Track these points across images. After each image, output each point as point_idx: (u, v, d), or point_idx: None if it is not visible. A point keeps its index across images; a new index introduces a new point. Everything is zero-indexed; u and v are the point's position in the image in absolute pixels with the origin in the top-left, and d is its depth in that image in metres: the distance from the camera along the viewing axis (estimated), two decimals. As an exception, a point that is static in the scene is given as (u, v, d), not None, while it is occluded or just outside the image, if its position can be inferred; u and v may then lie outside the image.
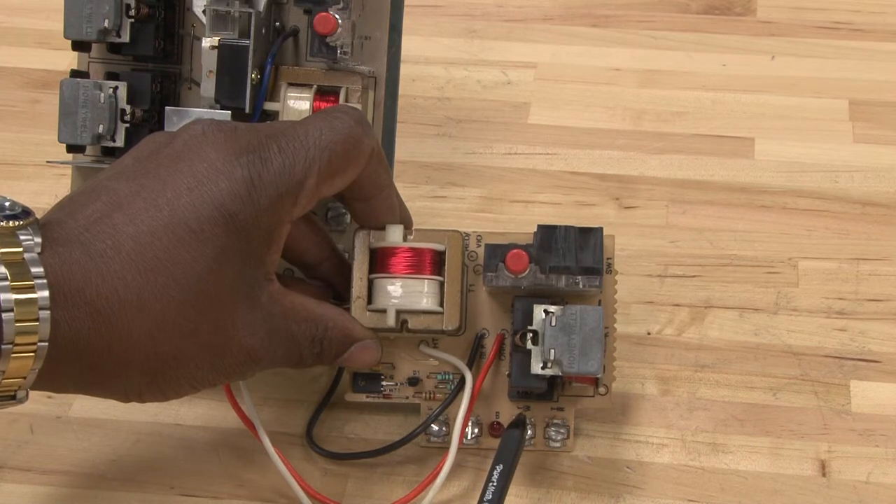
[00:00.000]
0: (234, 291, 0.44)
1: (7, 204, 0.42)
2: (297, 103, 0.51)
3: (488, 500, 0.46)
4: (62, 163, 0.54)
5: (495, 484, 0.46)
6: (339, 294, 0.50)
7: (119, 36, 0.51)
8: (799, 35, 0.72)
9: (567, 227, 0.48)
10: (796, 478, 0.50)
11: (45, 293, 0.40)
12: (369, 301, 0.49)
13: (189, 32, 0.53)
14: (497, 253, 0.48)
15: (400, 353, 0.51)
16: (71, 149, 0.52)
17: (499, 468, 0.47)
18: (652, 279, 0.59)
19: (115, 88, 0.52)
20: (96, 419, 0.53)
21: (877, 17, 0.73)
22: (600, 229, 0.49)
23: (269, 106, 0.51)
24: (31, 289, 0.40)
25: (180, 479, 0.50)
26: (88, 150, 0.52)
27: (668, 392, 0.54)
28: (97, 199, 0.43)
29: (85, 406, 0.53)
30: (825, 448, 0.51)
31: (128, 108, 0.52)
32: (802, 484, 0.50)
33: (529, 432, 0.50)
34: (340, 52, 0.51)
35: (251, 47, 0.50)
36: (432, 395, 0.51)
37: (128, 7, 0.51)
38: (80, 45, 0.52)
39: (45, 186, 0.64)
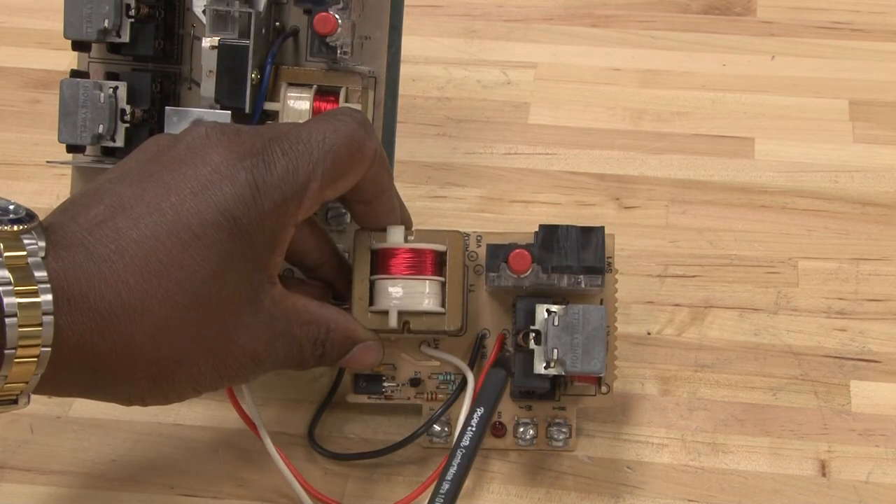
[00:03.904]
0: (237, 295, 0.44)
1: (11, 207, 0.41)
2: (297, 103, 0.51)
3: (465, 447, 0.43)
4: (62, 163, 0.54)
5: (474, 429, 0.44)
6: (339, 294, 0.50)
7: (119, 36, 0.51)
8: (799, 35, 0.72)
9: (569, 227, 0.48)
10: (796, 478, 0.50)
11: (49, 297, 0.40)
12: (371, 302, 0.49)
13: (189, 32, 0.53)
14: (499, 253, 0.48)
15: (401, 354, 0.51)
16: (71, 149, 0.52)
17: (479, 411, 0.44)
18: (652, 279, 0.59)
19: (115, 88, 0.52)
20: (96, 419, 0.53)
21: (877, 17, 0.73)
22: (602, 228, 0.49)
23: (269, 106, 0.51)
24: (35, 293, 0.40)
25: (180, 479, 0.50)
26: (88, 150, 0.52)
27: (668, 392, 0.54)
28: (100, 203, 0.43)
29: (85, 406, 0.53)
30: (825, 448, 0.51)
31: (128, 108, 0.52)
32: (802, 484, 0.50)
33: (531, 432, 0.50)
34: (340, 52, 0.51)
35: (251, 47, 0.50)
36: (434, 396, 0.51)
37: (128, 7, 0.51)
38: (80, 45, 0.52)
39: (45, 186, 0.64)
